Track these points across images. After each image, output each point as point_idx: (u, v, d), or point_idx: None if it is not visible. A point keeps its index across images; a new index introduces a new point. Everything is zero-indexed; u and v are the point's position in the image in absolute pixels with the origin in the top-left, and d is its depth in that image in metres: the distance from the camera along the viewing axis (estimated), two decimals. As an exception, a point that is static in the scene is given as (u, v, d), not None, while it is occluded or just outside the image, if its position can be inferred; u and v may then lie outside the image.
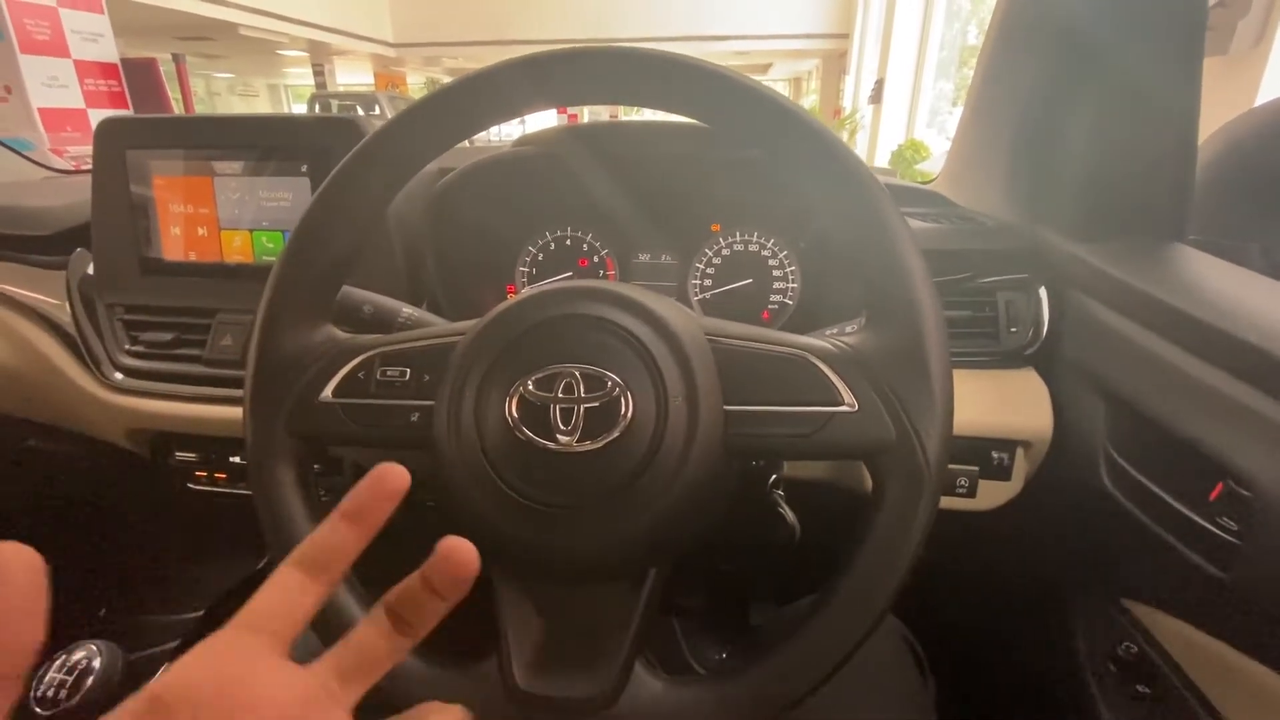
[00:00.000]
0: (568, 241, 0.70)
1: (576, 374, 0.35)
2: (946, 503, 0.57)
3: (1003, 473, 0.56)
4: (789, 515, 0.54)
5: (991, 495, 0.57)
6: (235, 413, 0.64)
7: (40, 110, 3.04)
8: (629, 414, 0.34)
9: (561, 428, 0.35)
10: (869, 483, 0.58)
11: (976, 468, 0.57)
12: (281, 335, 0.39)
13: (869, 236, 0.35)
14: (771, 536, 0.55)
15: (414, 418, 0.38)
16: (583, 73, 0.37)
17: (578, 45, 0.37)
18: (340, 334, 0.41)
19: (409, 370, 0.39)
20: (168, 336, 0.64)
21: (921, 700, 0.50)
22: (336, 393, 0.39)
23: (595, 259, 0.70)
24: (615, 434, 0.34)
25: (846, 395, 0.35)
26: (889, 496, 0.34)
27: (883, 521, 0.34)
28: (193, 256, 0.64)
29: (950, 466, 0.57)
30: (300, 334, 0.40)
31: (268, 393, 0.39)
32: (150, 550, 1.07)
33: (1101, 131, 0.56)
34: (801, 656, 0.34)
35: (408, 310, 0.51)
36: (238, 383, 0.65)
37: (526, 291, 0.39)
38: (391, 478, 0.27)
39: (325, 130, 0.60)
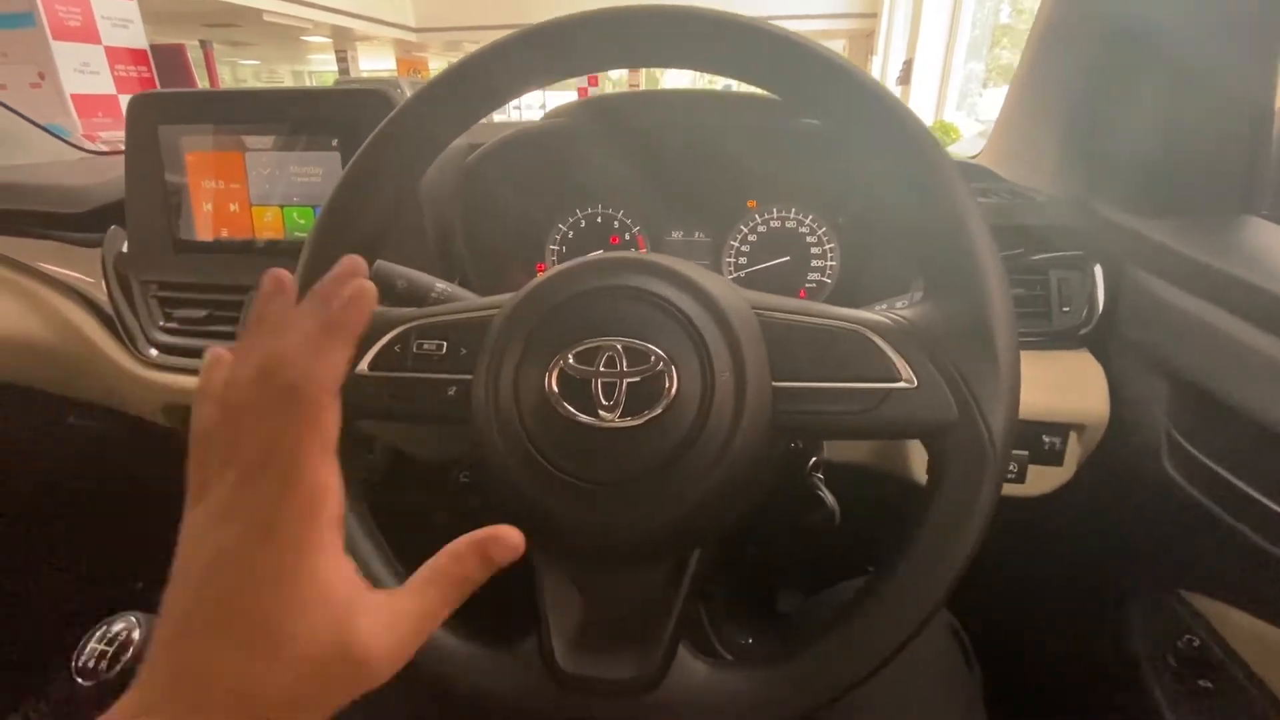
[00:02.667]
0: (598, 219, 0.69)
1: (619, 347, 0.34)
2: None
3: (1054, 457, 0.54)
4: (829, 499, 0.52)
5: (1042, 481, 0.55)
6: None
7: (73, 96, 3.08)
8: (673, 389, 0.33)
9: (603, 403, 0.33)
10: (913, 468, 0.57)
11: (1026, 452, 0.55)
12: None
13: (931, 201, 0.33)
14: (809, 520, 0.53)
15: (451, 392, 0.37)
16: (637, 31, 0.36)
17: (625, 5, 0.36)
18: (378, 308, 0.40)
19: (446, 343, 0.38)
20: (201, 314, 0.64)
21: (968, 690, 0.48)
22: (373, 366, 0.38)
23: (626, 237, 0.69)
24: (659, 410, 0.33)
25: (904, 371, 0.33)
26: (948, 479, 0.32)
27: (941, 506, 0.32)
28: (224, 233, 0.64)
29: None
30: None
31: None
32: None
33: (1167, 104, 0.53)
34: (853, 644, 0.32)
35: (441, 285, 0.50)
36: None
37: (565, 264, 0.38)
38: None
39: (354, 103, 0.59)
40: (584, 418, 0.33)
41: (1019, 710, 0.60)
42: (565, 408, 0.34)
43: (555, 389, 0.34)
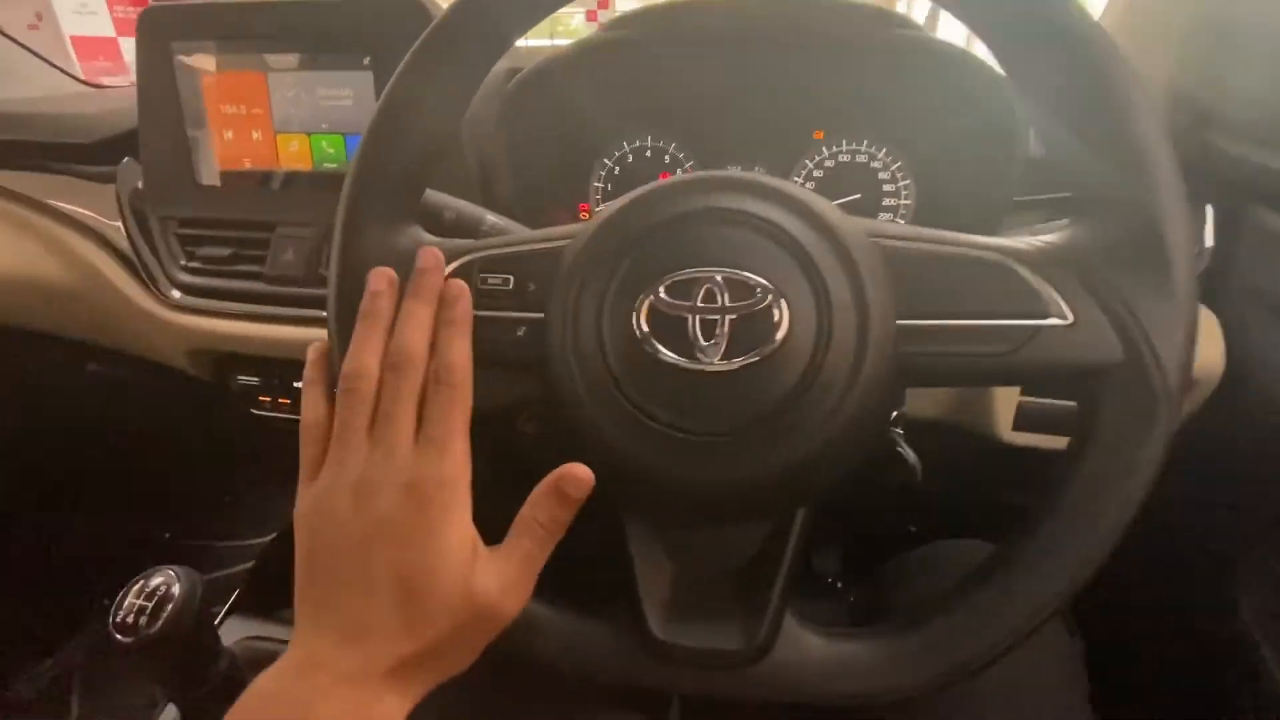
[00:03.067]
0: (647, 153, 0.63)
1: (719, 279, 0.30)
2: (1050, 442, 0.51)
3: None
4: (910, 455, 0.48)
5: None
6: (300, 334, 0.61)
7: (72, 39, 2.98)
8: (784, 327, 0.29)
9: (703, 343, 0.29)
10: (997, 423, 0.53)
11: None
12: (366, 238, 0.34)
13: (1090, 94, 0.28)
14: (888, 479, 0.49)
15: (520, 332, 0.33)
16: None
17: None
18: (429, 236, 0.36)
19: (512, 278, 0.33)
20: (225, 252, 0.60)
21: (1070, 660, 0.45)
22: None
23: (679, 172, 0.63)
24: (767, 351, 0.29)
25: (1056, 304, 0.29)
26: (1107, 430, 0.28)
27: (1096, 462, 0.28)
28: (247, 164, 0.59)
29: (1052, 401, 0.50)
30: (387, 237, 0.34)
31: (355, 304, 0.34)
32: (216, 476, 1.08)
33: None
34: (987, 617, 0.29)
35: (492, 218, 0.45)
36: (302, 301, 0.61)
37: (649, 185, 0.33)
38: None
39: (387, 13, 0.53)
40: (679, 360, 0.29)
41: (1123, 678, 0.57)
42: (657, 349, 0.30)
43: (645, 327, 0.30)
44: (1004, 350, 0.29)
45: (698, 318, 0.29)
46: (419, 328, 0.31)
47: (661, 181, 0.33)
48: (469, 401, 0.30)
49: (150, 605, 0.42)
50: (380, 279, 0.32)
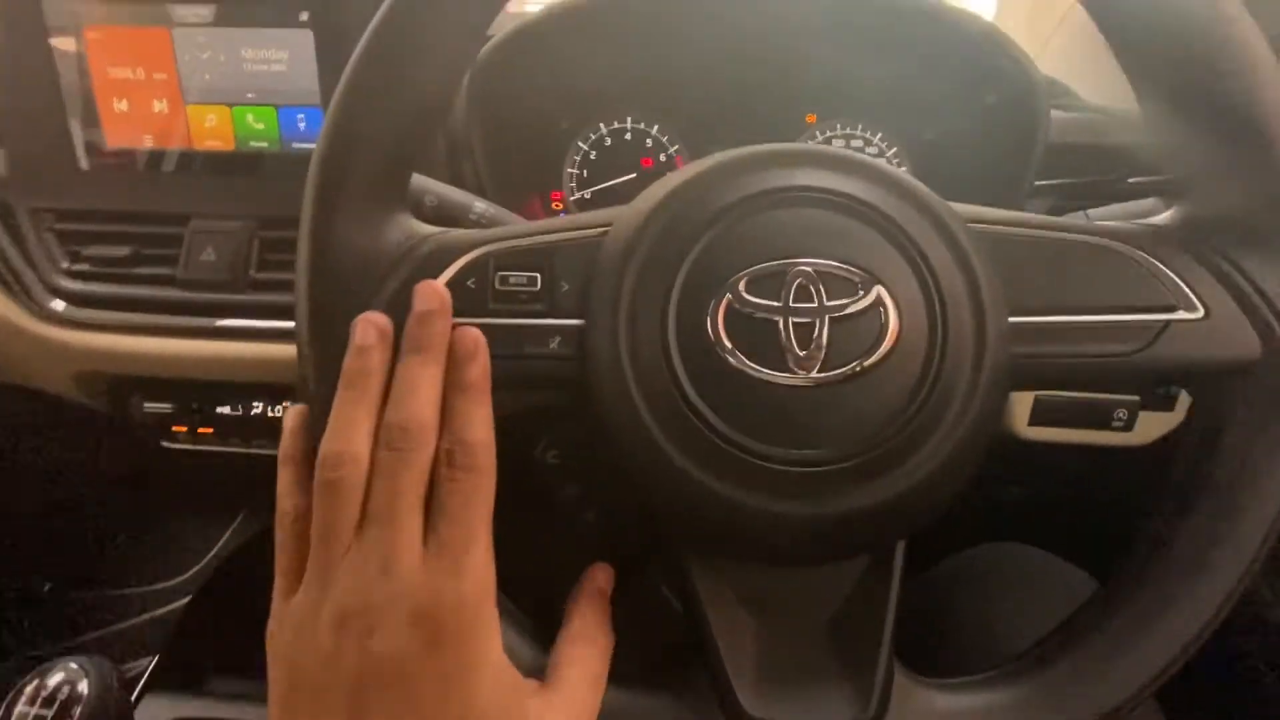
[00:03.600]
0: (627, 135, 0.57)
1: (811, 271, 0.24)
2: (1093, 437, 0.50)
3: (1167, 402, 0.49)
4: None
5: (1151, 428, 0.50)
6: (226, 349, 0.50)
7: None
8: (893, 327, 0.24)
9: (798, 351, 0.24)
10: (1014, 419, 0.50)
11: (1137, 397, 0.49)
12: (346, 227, 0.26)
13: (1207, 58, 0.25)
14: None
15: (554, 344, 0.26)
16: None
17: None
18: (425, 227, 0.28)
19: (540, 276, 0.27)
20: (123, 251, 0.49)
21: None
22: None
23: (662, 158, 0.58)
24: (876, 357, 0.24)
25: (1186, 295, 0.25)
26: (1241, 432, 0.25)
27: (1229, 476, 0.25)
28: (148, 143, 0.48)
29: (1105, 396, 0.49)
30: (371, 226, 0.27)
31: (334, 312, 0.26)
32: (110, 511, 0.92)
33: None
34: (1135, 651, 0.25)
35: (481, 205, 0.38)
36: (227, 309, 0.51)
37: (711, 159, 0.27)
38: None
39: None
40: (769, 374, 0.24)
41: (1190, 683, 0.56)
42: (742, 361, 0.24)
43: (724, 335, 0.24)
44: (1130, 349, 0.26)
45: (790, 320, 0.24)
46: (424, 393, 0.23)
47: (722, 155, 0.27)
48: (492, 490, 0.23)
49: (50, 714, 0.32)
50: (368, 330, 0.24)
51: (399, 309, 0.25)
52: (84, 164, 0.49)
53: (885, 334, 0.24)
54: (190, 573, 0.82)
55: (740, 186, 0.26)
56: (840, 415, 0.24)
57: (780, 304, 0.24)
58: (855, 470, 0.24)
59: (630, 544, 0.33)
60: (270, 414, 0.52)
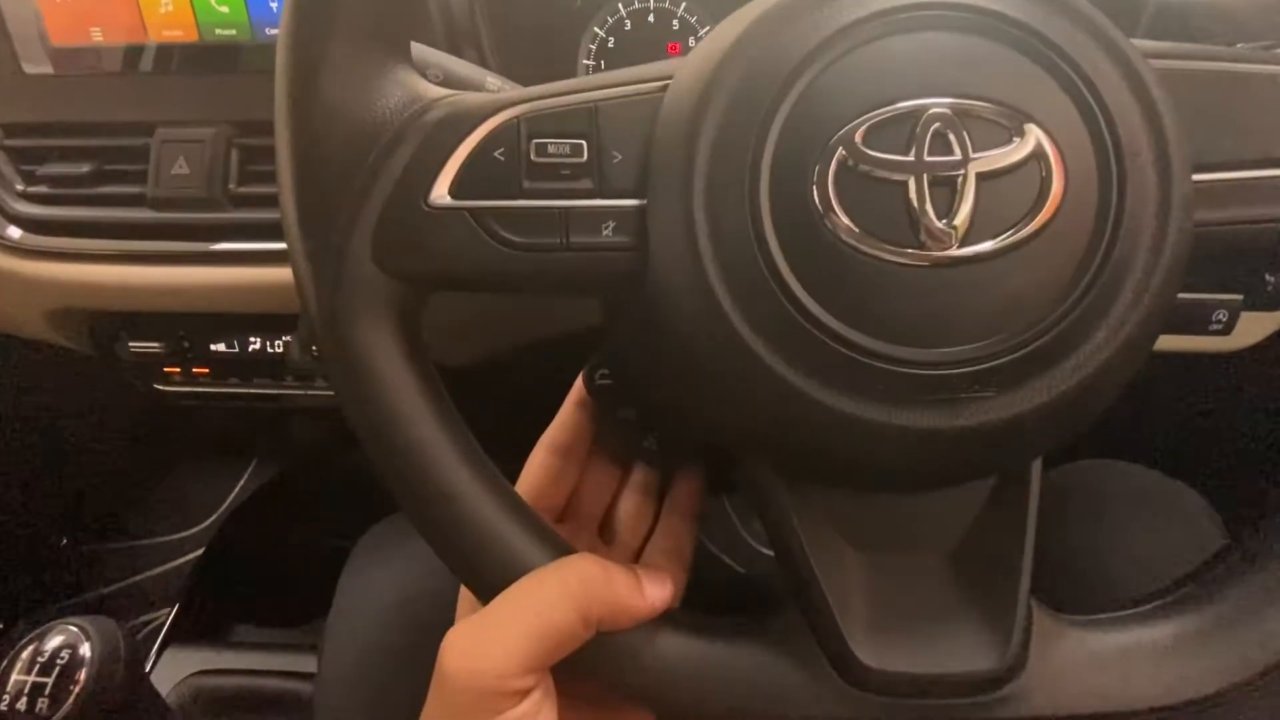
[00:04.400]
0: (650, 16, 0.50)
1: (950, 113, 0.19)
2: (1186, 343, 0.45)
3: (1273, 298, 0.44)
4: None
5: (1251, 330, 0.44)
6: (208, 275, 0.44)
7: None
8: (1060, 186, 0.19)
9: (934, 221, 0.18)
10: None
11: (1240, 296, 0.44)
12: (334, 88, 0.21)
13: None
14: None
15: (607, 230, 0.21)
16: None
17: None
18: (434, 88, 0.23)
19: (585, 143, 0.21)
20: (83, 168, 0.42)
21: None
22: (459, 190, 0.21)
23: (691, 41, 0.50)
24: (1034, 225, 0.19)
25: None
26: None
27: None
28: (98, 38, 0.41)
29: (1198, 296, 0.44)
30: (367, 85, 0.21)
31: (327, 202, 0.21)
32: (118, 463, 0.89)
33: None
34: None
35: (495, 80, 0.31)
36: (209, 230, 0.45)
37: None
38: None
39: None
40: (894, 251, 0.19)
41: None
42: (858, 236, 0.19)
43: (834, 204, 0.19)
44: None
45: (924, 179, 0.18)
46: None
47: None
48: None
49: (50, 681, 0.28)
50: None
51: (406, 200, 0.20)
52: (28, 67, 0.42)
53: (1047, 194, 0.19)
54: (207, 522, 0.80)
55: (843, 8, 0.20)
56: (986, 302, 0.19)
57: (911, 158, 0.18)
58: (1003, 372, 0.19)
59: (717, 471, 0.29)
60: (270, 349, 0.47)
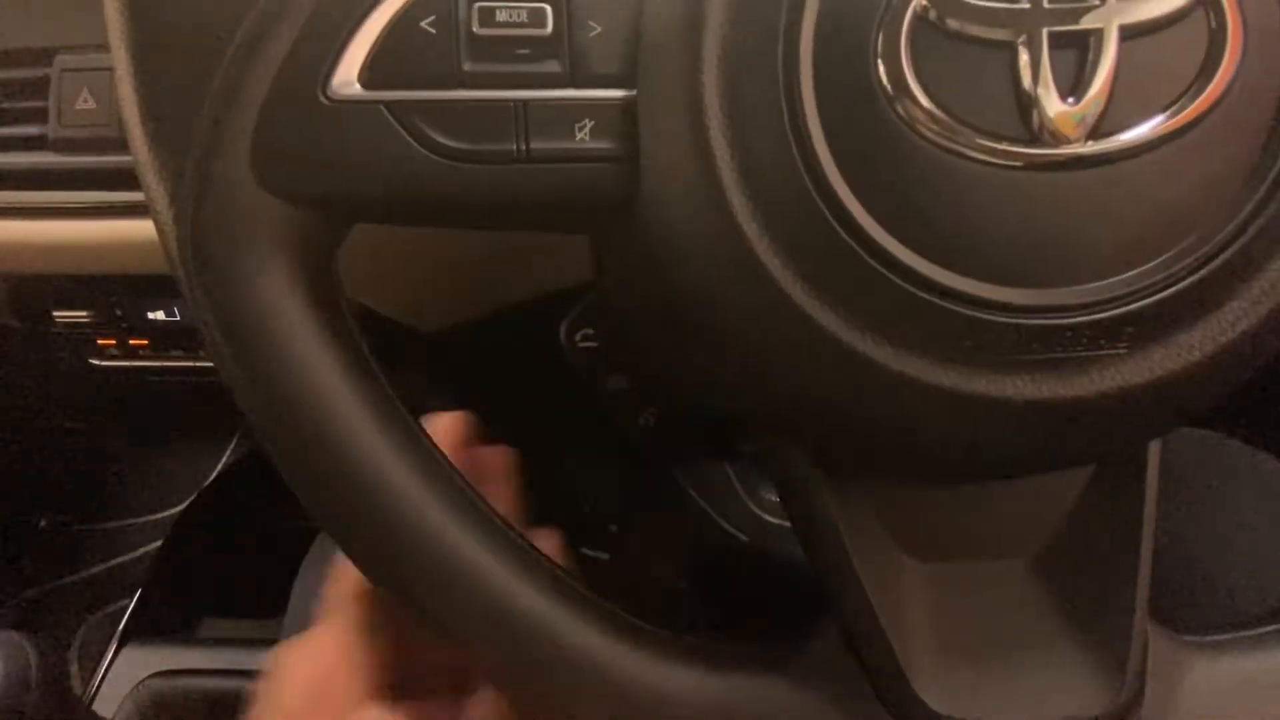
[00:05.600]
0: None
1: None
2: None
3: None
4: None
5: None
6: (128, 230, 0.37)
7: None
8: (1236, 46, 0.13)
9: (1056, 101, 0.13)
10: None
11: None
12: None
13: None
14: None
15: (582, 132, 0.15)
16: None
17: None
18: None
19: (550, 8, 0.15)
20: (-27, 106, 0.36)
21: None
22: (373, 76, 0.15)
23: None
24: (1198, 105, 0.13)
25: None
26: None
27: None
28: (-26, -57, 0.34)
29: None
30: None
31: (186, 88, 0.15)
32: (118, 454, 0.84)
33: None
34: None
35: None
36: (124, 179, 0.39)
37: None
38: None
39: None
40: (993, 147, 0.13)
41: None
42: (941, 126, 0.13)
43: (906, 74, 0.13)
44: None
45: (1044, 37, 0.13)
46: None
47: None
48: None
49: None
50: None
51: (296, 90, 0.14)
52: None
53: (1218, 59, 0.13)
54: (186, 503, 0.76)
55: None
56: (1126, 221, 0.13)
57: (1025, 4, 0.13)
58: (1143, 321, 0.14)
59: (705, 459, 0.24)
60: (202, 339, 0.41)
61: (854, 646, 0.17)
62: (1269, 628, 0.18)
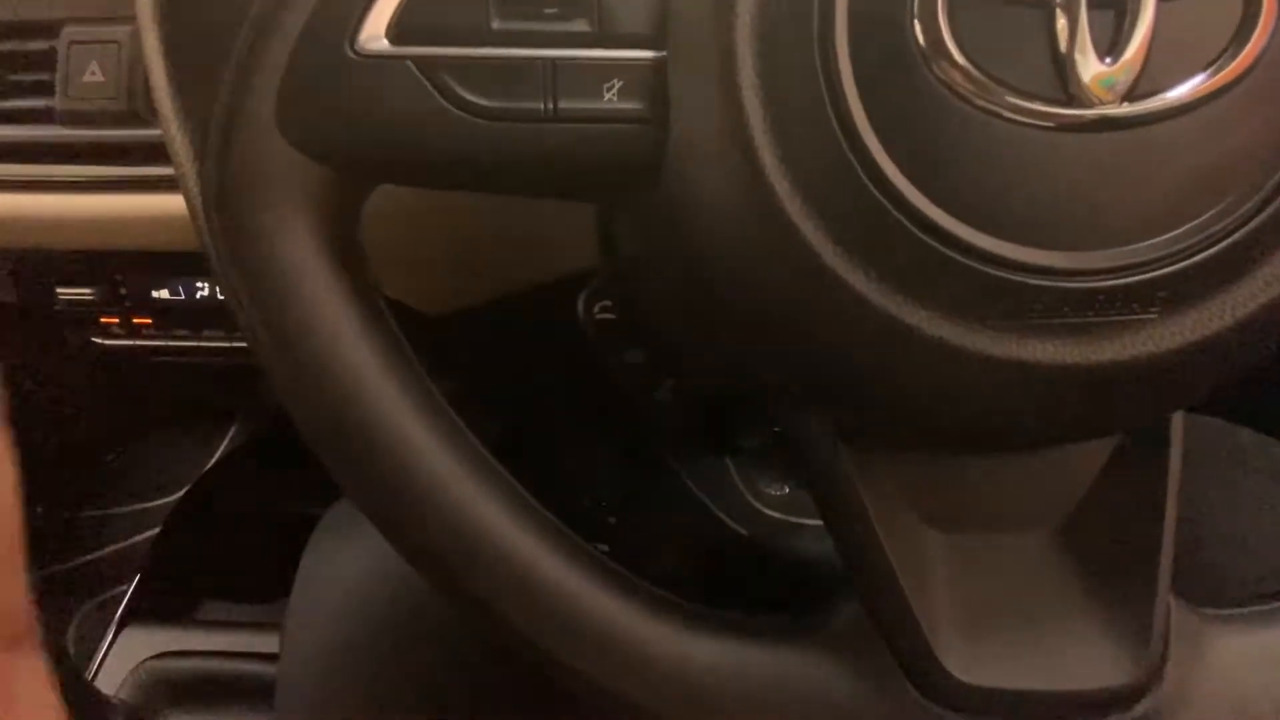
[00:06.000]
0: None
1: None
2: None
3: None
4: None
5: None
6: (135, 204, 0.38)
7: None
8: (1265, 14, 0.13)
9: (1093, 60, 0.13)
10: None
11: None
12: None
13: None
14: None
15: (610, 93, 0.15)
16: None
17: None
18: None
19: None
20: (-21, 77, 0.36)
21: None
22: (401, 32, 0.15)
23: None
24: (1236, 65, 0.13)
25: None
26: None
27: None
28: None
29: None
30: None
31: (212, 36, 0.15)
32: (117, 439, 0.84)
33: None
34: None
35: None
36: (131, 152, 0.38)
37: None
38: None
39: None
40: (1030, 108, 0.13)
41: None
42: (977, 86, 0.13)
43: (944, 34, 0.13)
44: None
45: (1067, 10, 0.13)
46: None
47: None
48: None
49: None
50: None
51: (324, 43, 0.14)
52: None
53: (1255, 17, 0.13)
54: (186, 488, 0.75)
55: None
56: (1161, 183, 0.13)
57: None
58: (1176, 283, 0.14)
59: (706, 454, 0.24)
60: (221, 293, 0.41)
61: (877, 618, 0.17)
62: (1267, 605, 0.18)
